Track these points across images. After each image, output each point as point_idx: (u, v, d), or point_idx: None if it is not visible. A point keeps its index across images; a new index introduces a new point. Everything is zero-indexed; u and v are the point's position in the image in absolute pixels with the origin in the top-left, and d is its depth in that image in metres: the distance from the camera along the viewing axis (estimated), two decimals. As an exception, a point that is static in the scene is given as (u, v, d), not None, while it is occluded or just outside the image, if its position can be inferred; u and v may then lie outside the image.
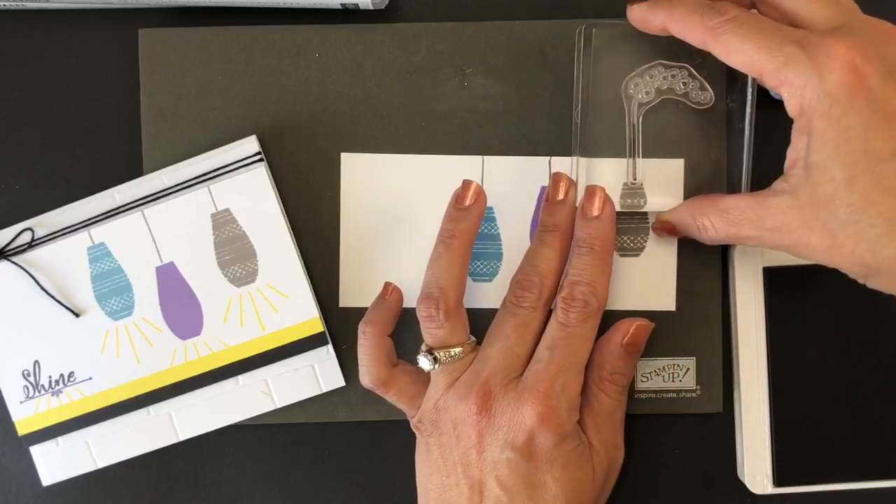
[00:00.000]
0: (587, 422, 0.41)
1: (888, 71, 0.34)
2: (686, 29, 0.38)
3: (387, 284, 0.44)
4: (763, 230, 0.37)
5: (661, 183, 0.44)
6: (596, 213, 0.41)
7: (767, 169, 0.40)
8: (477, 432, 0.39)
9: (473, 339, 0.42)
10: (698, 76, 0.43)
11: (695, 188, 0.44)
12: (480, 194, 0.42)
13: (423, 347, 0.41)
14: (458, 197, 0.42)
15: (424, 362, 0.41)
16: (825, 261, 0.36)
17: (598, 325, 0.41)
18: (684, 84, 0.43)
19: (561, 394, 0.39)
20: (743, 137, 0.42)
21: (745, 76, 0.42)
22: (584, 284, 0.40)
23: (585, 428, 0.41)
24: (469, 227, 0.41)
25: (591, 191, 0.42)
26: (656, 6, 0.39)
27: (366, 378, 0.42)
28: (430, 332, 0.41)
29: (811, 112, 0.34)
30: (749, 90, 0.42)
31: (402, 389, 0.42)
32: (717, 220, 0.39)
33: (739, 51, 0.36)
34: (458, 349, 0.41)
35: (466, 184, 0.42)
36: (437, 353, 0.41)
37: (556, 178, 0.43)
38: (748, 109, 0.42)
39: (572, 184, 0.43)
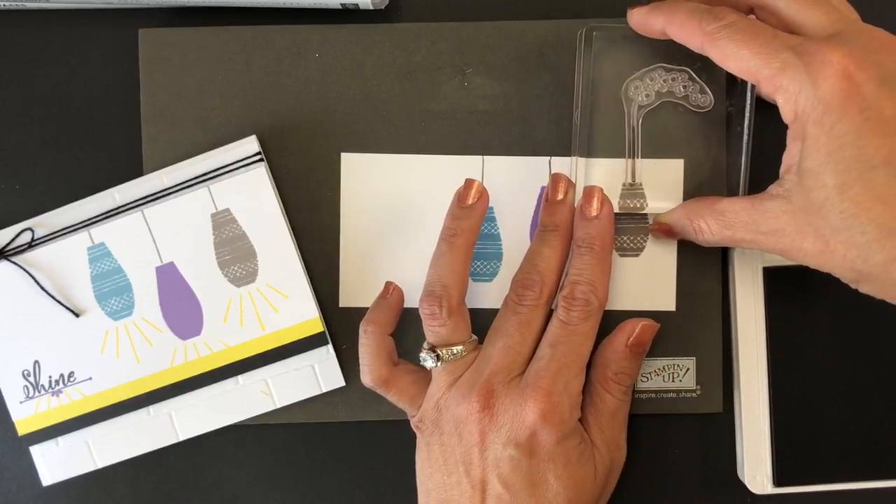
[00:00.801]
0: (590, 420, 0.42)
1: (882, 79, 0.34)
2: (685, 33, 0.38)
3: (388, 284, 0.44)
4: (758, 233, 0.38)
5: (661, 184, 0.44)
6: (594, 213, 0.42)
7: (766, 172, 0.41)
8: (479, 430, 0.39)
9: (475, 337, 0.42)
10: (698, 79, 0.43)
11: (694, 190, 0.44)
12: (483, 193, 0.42)
13: (426, 346, 0.41)
14: (461, 195, 0.42)
15: (427, 360, 0.41)
16: (817, 265, 0.36)
17: (598, 324, 0.41)
18: (684, 87, 0.43)
19: (563, 391, 0.39)
20: (741, 141, 0.42)
21: (744, 80, 0.42)
22: (585, 284, 0.40)
23: (588, 427, 0.41)
24: (471, 225, 0.42)
25: (589, 191, 0.42)
26: (656, 10, 0.40)
27: (367, 377, 0.42)
28: (433, 329, 0.41)
29: (805, 118, 0.35)
30: (748, 94, 0.42)
31: (404, 389, 0.42)
32: (713, 222, 0.40)
33: (736, 56, 0.36)
34: (460, 347, 0.41)
35: (469, 182, 0.42)
36: (439, 351, 0.41)
37: (555, 178, 0.43)
38: (747, 113, 0.42)
39: (571, 184, 0.43)
